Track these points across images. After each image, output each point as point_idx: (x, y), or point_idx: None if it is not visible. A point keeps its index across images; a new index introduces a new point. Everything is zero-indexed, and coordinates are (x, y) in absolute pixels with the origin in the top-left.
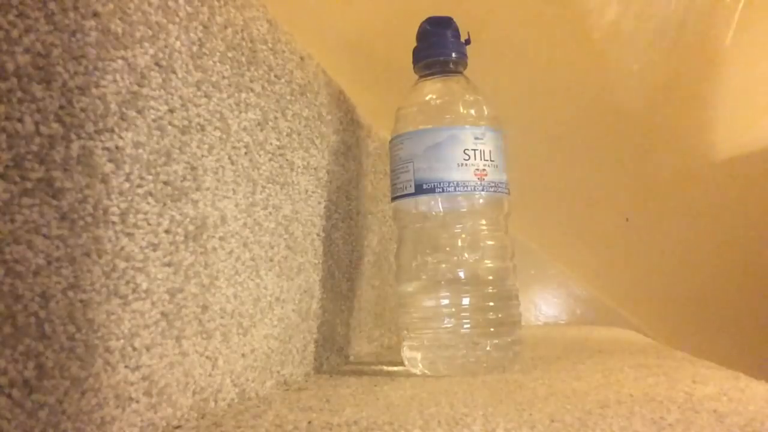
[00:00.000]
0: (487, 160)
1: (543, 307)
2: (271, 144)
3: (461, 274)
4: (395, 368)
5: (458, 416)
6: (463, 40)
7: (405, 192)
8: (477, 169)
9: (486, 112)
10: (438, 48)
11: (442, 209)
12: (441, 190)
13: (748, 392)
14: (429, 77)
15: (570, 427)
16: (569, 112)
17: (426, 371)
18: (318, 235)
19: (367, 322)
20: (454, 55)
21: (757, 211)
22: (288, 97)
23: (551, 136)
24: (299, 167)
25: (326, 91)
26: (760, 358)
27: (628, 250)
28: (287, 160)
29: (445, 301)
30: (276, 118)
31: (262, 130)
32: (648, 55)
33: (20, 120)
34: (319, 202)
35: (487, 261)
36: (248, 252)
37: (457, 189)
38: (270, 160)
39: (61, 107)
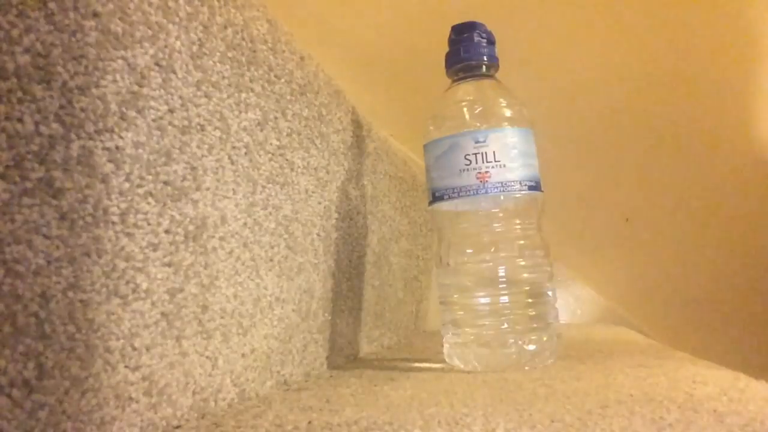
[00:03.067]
0: (490, 162)
1: None
2: (271, 144)
3: (496, 273)
4: (427, 365)
5: (458, 416)
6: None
7: (429, 199)
8: (479, 173)
9: (499, 113)
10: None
11: (460, 212)
12: (447, 196)
13: (748, 392)
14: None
15: (570, 427)
16: (569, 112)
17: (464, 366)
18: (318, 235)
19: (367, 322)
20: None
21: (757, 210)
22: (288, 97)
23: (551, 137)
24: (299, 167)
25: (326, 91)
26: (760, 358)
27: (628, 250)
28: (287, 160)
29: (484, 300)
30: (276, 118)
31: (262, 130)
32: (648, 53)
33: (20, 120)
34: (319, 202)
35: (519, 260)
36: (248, 252)
37: (460, 194)
38: (270, 160)
39: (61, 107)
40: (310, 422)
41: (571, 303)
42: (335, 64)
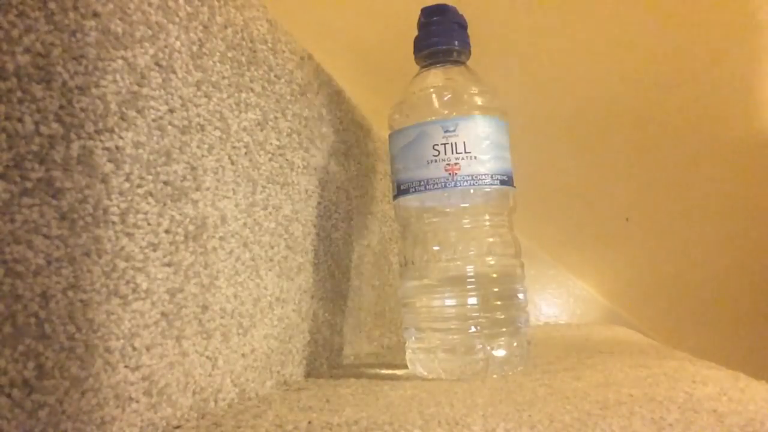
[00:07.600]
0: (460, 153)
1: (543, 307)
2: (271, 144)
3: (463, 272)
4: (396, 371)
5: (458, 416)
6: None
7: (393, 192)
8: (447, 164)
9: (470, 101)
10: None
11: (426, 207)
12: (414, 190)
13: (748, 392)
14: (427, 68)
15: (570, 428)
16: (568, 110)
17: (428, 374)
18: (318, 235)
19: (367, 322)
20: (456, 44)
21: (758, 210)
22: (288, 97)
23: (550, 135)
24: (299, 167)
25: (326, 91)
26: (760, 358)
27: (628, 250)
28: (287, 160)
29: (450, 302)
30: (276, 118)
31: (262, 130)
32: (647, 52)
33: (20, 120)
34: (319, 202)
35: (489, 258)
36: (248, 252)
37: (427, 187)
38: (270, 160)
39: (61, 107)
40: (310, 422)
41: (571, 303)
42: (335, 64)
